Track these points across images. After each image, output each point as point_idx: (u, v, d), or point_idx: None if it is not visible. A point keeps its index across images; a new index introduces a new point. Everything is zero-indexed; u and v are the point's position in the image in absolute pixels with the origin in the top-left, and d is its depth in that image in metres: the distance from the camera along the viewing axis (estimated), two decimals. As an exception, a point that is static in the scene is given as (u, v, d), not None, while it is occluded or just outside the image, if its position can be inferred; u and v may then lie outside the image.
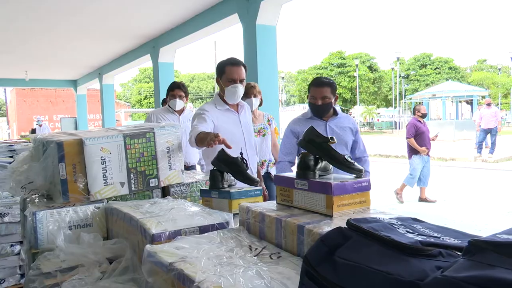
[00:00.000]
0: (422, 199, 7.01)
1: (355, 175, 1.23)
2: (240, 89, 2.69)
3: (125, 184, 1.78)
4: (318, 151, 1.24)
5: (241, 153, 1.87)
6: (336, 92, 2.79)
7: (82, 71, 12.82)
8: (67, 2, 5.88)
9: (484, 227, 5.37)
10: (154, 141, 1.88)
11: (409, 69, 43.87)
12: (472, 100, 26.82)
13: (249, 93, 3.49)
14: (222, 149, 1.89)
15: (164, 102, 5.33)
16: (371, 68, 38.88)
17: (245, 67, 2.72)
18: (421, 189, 7.03)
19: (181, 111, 4.12)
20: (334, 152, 1.23)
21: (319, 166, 1.24)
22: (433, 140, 7.07)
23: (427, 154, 6.93)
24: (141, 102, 47.65)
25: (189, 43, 7.76)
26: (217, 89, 3.60)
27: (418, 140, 6.87)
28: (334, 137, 1.27)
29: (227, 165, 1.79)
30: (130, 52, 9.47)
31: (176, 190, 1.96)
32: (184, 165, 2.19)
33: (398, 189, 7.04)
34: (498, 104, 32.05)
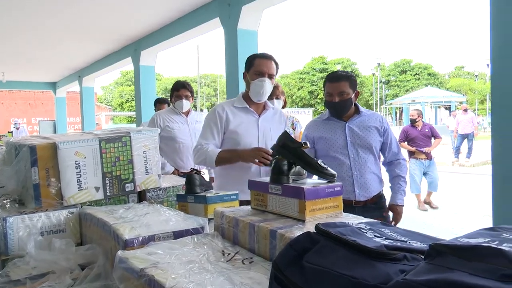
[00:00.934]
0: (426, 202, 6.98)
1: (327, 181, 1.25)
2: (268, 84, 2.40)
3: (100, 189, 1.75)
4: (292, 156, 1.25)
5: (192, 169, 1.86)
6: (356, 87, 2.47)
7: (61, 73, 12.62)
8: (46, 3, 5.80)
9: (460, 230, 5.48)
10: (130, 145, 1.86)
11: (389, 74, 44.56)
12: (450, 105, 27.40)
13: (271, 94, 3.11)
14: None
15: (158, 102, 5.25)
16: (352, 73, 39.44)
17: (277, 64, 2.45)
18: (428, 192, 6.99)
19: (187, 112, 3.82)
20: (307, 157, 1.24)
21: (292, 171, 1.25)
22: (426, 153, 6.87)
23: (427, 159, 6.84)
24: (123, 106, 47.19)
25: (171, 46, 7.72)
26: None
27: (410, 144, 6.97)
28: (308, 142, 1.28)
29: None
30: (111, 54, 9.38)
31: (152, 195, 1.94)
32: (194, 170, 2.09)
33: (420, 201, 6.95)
34: (475, 110, 32.79)
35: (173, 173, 3.63)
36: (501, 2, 2.58)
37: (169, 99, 3.97)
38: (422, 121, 7.21)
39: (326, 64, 39.26)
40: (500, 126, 2.66)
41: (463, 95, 33.08)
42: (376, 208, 2.49)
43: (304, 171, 1.30)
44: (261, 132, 2.44)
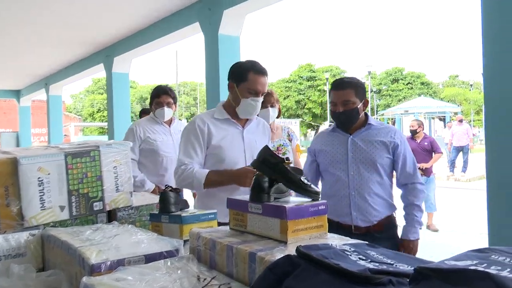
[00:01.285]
0: (427, 225, 6.73)
1: (311, 199, 1.26)
2: (259, 104, 2.37)
3: (65, 208, 1.73)
4: (272, 173, 1.26)
5: (167, 186, 1.83)
6: (365, 95, 2.40)
7: (26, 81, 12.46)
8: (10, 5, 5.75)
9: (457, 250, 5.55)
10: (100, 160, 1.84)
11: (380, 83, 45.28)
12: (445, 116, 27.93)
13: (265, 101, 3.00)
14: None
15: (144, 113, 5.16)
16: (342, 82, 39.86)
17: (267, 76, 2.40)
18: (427, 214, 6.74)
19: (170, 121, 3.68)
20: (289, 173, 1.25)
21: (274, 188, 1.26)
22: (422, 169, 6.61)
23: (424, 175, 6.55)
24: (94, 116, 46.73)
25: (147, 52, 7.72)
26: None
27: None
28: (290, 158, 1.29)
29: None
30: (81, 60, 9.32)
31: (123, 214, 1.92)
32: (169, 187, 1.99)
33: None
34: (470, 121, 33.48)
35: (154, 191, 3.47)
36: (493, 11, 2.67)
37: (149, 107, 3.83)
38: (424, 133, 6.97)
39: (313, 72, 39.70)
40: (495, 138, 2.72)
41: (458, 105, 33.76)
42: (383, 238, 2.30)
43: (287, 188, 1.31)
44: (247, 145, 2.38)
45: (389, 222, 2.39)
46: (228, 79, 2.41)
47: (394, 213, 2.42)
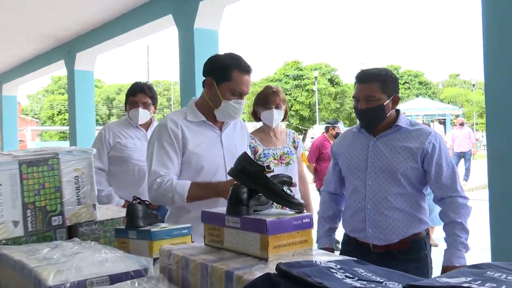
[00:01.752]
0: None
1: (296, 211, 1.27)
2: (242, 107, 2.28)
3: (19, 224, 1.71)
4: (252, 182, 1.27)
5: (135, 198, 1.79)
6: (396, 90, 2.28)
7: (-25, 79, 12.27)
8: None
9: (457, 266, 5.62)
10: (59, 169, 1.83)
11: (375, 83, 45.75)
12: (445, 119, 28.37)
13: (269, 101, 2.95)
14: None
15: None
16: (332, 81, 40.20)
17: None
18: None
19: (147, 125, 3.48)
20: (270, 183, 1.26)
21: (254, 200, 1.27)
22: None
23: None
24: (54, 119, 46.15)
25: (114, 47, 7.68)
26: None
27: None
28: (271, 165, 1.31)
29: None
30: (38, 56, 9.21)
31: (86, 230, 1.91)
32: (137, 199, 1.88)
33: None
34: (473, 124, 34.05)
35: (123, 206, 3.24)
36: (494, 8, 2.73)
37: (124, 107, 3.59)
38: None
39: (301, 70, 39.95)
40: (497, 144, 2.77)
41: (459, 107, 34.28)
42: (408, 259, 2.18)
43: (268, 200, 1.32)
44: (226, 151, 2.31)
45: (417, 241, 2.24)
46: (205, 74, 2.31)
47: (426, 230, 2.28)
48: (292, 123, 38.14)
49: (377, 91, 2.20)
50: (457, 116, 26.57)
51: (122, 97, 56.92)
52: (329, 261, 0.95)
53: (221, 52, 5.41)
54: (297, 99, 38.22)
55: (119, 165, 3.42)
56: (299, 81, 39.14)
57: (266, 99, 3.06)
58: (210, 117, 2.31)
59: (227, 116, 2.29)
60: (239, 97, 2.25)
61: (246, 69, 2.23)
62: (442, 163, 2.20)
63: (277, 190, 1.26)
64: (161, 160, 2.22)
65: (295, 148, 3.17)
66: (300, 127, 38.26)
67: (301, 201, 1.29)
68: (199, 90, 5.15)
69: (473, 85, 46.08)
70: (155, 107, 3.47)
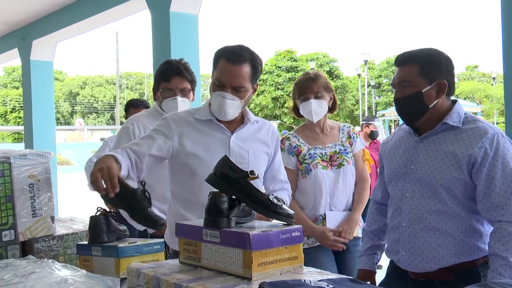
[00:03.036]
0: None
1: (284, 223, 1.29)
2: (229, 103, 2.23)
3: (-36, 239, 1.71)
4: (233, 190, 1.28)
5: (142, 182, 1.76)
6: (443, 74, 2.05)
7: None
8: None
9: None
10: (10, 176, 1.83)
11: (380, 75, 46.04)
12: (461, 117, 28.56)
13: (305, 90, 2.80)
14: (118, 176, 1.76)
15: (132, 107, 4.80)
16: (331, 73, 40.31)
17: (254, 66, 2.27)
18: None
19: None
20: (254, 191, 1.27)
21: (235, 210, 1.28)
22: None
23: None
24: (7, 116, 45.79)
25: (77, 34, 7.64)
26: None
27: None
28: (255, 171, 1.32)
29: (121, 199, 1.70)
30: (-12, 44, 9.15)
31: (42, 246, 1.91)
32: (102, 210, 1.83)
33: None
34: (493, 123, 34.31)
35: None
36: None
37: (153, 95, 3.21)
38: None
39: (295, 60, 40.01)
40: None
41: (478, 103, 34.49)
42: None
43: (252, 210, 1.33)
44: (234, 155, 2.24)
45: (466, 270, 2.03)
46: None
47: (484, 259, 2.04)
48: (285, 122, 38.17)
49: (414, 75, 2.03)
50: (475, 113, 26.76)
51: (87, 92, 56.84)
52: (321, 280, 0.96)
53: (202, 40, 5.43)
54: (290, 95, 38.23)
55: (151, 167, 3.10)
56: (293, 73, 39.12)
57: (302, 87, 2.88)
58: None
59: (217, 111, 2.26)
60: (222, 88, 2.22)
61: (231, 58, 2.22)
62: (495, 175, 1.94)
63: (261, 199, 1.27)
64: (138, 140, 2.16)
65: (351, 145, 2.95)
66: (295, 126, 38.24)
67: (291, 211, 1.30)
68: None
69: (493, 78, 46.41)
70: (194, 93, 3.07)
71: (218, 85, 2.23)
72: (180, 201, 2.24)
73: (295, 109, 3.03)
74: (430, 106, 2.03)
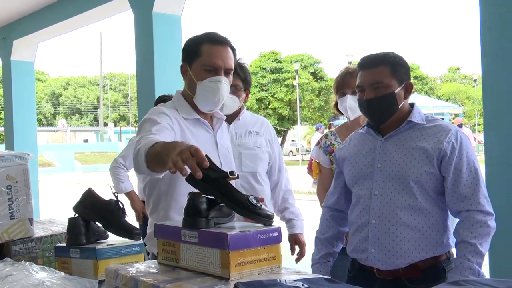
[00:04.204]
0: None
1: (263, 223, 1.29)
2: (225, 87, 2.16)
3: None
4: (212, 190, 1.28)
5: (115, 194, 1.85)
6: (408, 76, 2.16)
7: None
8: None
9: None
10: (-12, 177, 1.81)
11: (364, 77, 46.22)
12: (443, 118, 28.88)
13: (342, 85, 2.76)
14: (89, 188, 1.85)
15: (163, 102, 4.71)
16: (315, 75, 40.40)
17: (234, 51, 2.24)
18: None
19: (233, 117, 2.93)
20: (233, 191, 1.27)
21: (214, 211, 1.28)
22: None
23: None
24: (-13, 117, 45.25)
25: (59, 34, 7.58)
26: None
27: None
28: (235, 171, 1.31)
29: (95, 211, 1.77)
30: (-33, 44, 9.05)
31: (20, 249, 1.90)
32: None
33: None
34: (474, 125, 34.69)
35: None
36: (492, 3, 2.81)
37: None
38: None
39: (279, 62, 40.00)
40: (495, 146, 2.84)
41: (459, 105, 34.86)
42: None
43: (231, 211, 1.33)
44: (222, 154, 2.22)
45: (433, 267, 2.10)
46: (182, 60, 2.26)
47: (447, 254, 2.13)
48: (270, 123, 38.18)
49: (387, 76, 2.08)
50: (456, 115, 27.06)
51: (70, 92, 56.35)
52: (296, 280, 0.96)
53: (185, 40, 5.41)
54: (275, 96, 38.26)
55: None
56: (277, 74, 39.15)
57: (340, 82, 2.83)
58: (200, 113, 2.23)
59: (206, 101, 2.17)
60: (213, 73, 2.13)
61: (216, 39, 2.16)
62: (462, 168, 2.04)
63: (241, 200, 1.27)
64: (152, 130, 1.95)
65: None
66: (279, 128, 38.34)
67: (270, 212, 1.30)
68: (158, 84, 5.13)
69: (475, 80, 46.94)
70: (247, 94, 2.97)
71: (209, 70, 2.12)
72: (167, 203, 2.11)
73: (336, 105, 2.97)
74: (399, 107, 2.11)
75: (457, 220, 2.13)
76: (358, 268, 2.18)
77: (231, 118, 2.88)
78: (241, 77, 2.86)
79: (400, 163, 2.08)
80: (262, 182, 2.74)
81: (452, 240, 2.13)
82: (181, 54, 2.30)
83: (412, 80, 2.19)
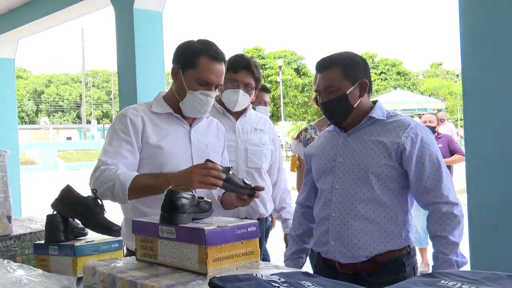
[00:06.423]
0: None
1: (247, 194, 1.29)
2: (212, 101, 2.27)
3: None
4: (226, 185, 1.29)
5: (94, 190, 1.84)
6: (365, 74, 2.21)
7: None
8: None
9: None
10: (-36, 175, 1.79)
11: (348, 73, 46.44)
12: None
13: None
14: (68, 185, 1.84)
15: None
16: (299, 71, 40.52)
17: (225, 65, 2.34)
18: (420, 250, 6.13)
19: (240, 113, 2.98)
20: (238, 180, 1.27)
21: (192, 206, 1.28)
22: None
23: None
24: (-32, 115, 44.78)
25: (40, 30, 7.50)
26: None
27: None
28: (230, 166, 1.32)
29: (73, 208, 1.76)
30: None
31: (-2, 247, 1.88)
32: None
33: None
34: (457, 120, 35.00)
35: None
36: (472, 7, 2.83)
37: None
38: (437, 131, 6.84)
39: (263, 58, 40.01)
40: (478, 146, 2.86)
41: (442, 100, 35.14)
42: (380, 283, 1.81)
43: (210, 206, 1.34)
44: (195, 149, 2.29)
45: (392, 262, 2.13)
46: (173, 61, 2.33)
47: (407, 249, 2.17)
48: (254, 120, 38.25)
49: (338, 79, 2.14)
50: (439, 110, 27.25)
51: (52, 90, 55.83)
52: (273, 274, 0.96)
53: (167, 38, 5.39)
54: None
55: None
56: (261, 71, 39.26)
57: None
58: (178, 110, 2.32)
59: (192, 110, 2.29)
60: (206, 87, 2.23)
61: (215, 56, 2.24)
62: (424, 161, 2.09)
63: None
64: (112, 150, 2.17)
65: None
66: (263, 124, 38.36)
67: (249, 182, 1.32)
68: (140, 81, 5.11)
69: (457, 75, 47.33)
70: (256, 93, 3.06)
71: (203, 84, 2.22)
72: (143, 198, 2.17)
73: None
74: (355, 106, 2.17)
75: (419, 215, 2.19)
76: (322, 262, 2.23)
77: (237, 115, 2.98)
78: (255, 76, 2.96)
79: (360, 156, 2.15)
80: (265, 178, 2.84)
81: (412, 234, 2.20)
82: (173, 55, 2.35)
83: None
